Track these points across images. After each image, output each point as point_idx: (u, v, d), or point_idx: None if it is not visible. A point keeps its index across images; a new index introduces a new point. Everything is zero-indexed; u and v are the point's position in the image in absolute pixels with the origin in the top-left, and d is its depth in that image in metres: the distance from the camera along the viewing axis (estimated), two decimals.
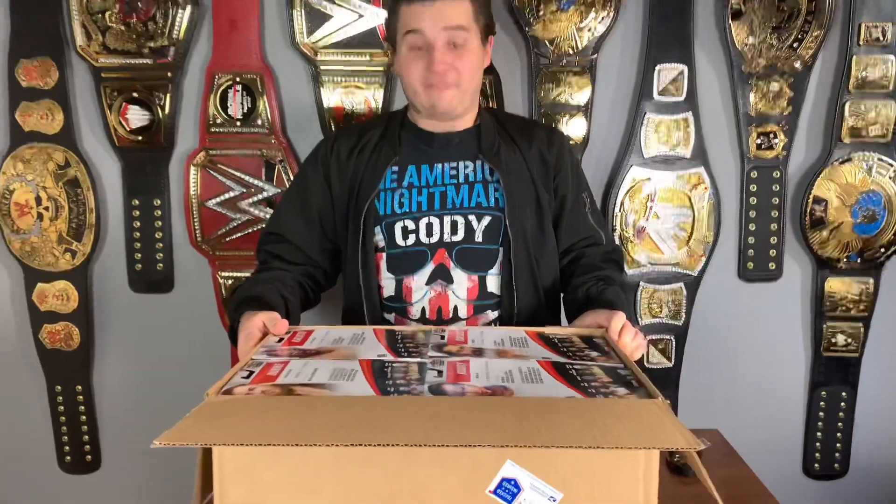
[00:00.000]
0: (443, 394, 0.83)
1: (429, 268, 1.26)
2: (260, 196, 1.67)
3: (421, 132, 1.32)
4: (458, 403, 0.81)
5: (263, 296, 1.18)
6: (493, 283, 1.26)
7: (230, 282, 1.72)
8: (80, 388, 1.78)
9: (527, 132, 1.33)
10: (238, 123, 1.66)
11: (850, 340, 1.79)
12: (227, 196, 1.67)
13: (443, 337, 1.04)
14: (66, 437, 1.80)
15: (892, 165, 1.68)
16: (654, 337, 1.76)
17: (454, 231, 1.26)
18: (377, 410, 0.80)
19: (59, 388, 1.78)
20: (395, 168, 1.29)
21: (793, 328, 1.82)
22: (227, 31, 1.64)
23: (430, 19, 1.20)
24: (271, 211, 1.67)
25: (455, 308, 1.25)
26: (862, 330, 1.78)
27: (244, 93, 1.65)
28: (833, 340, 1.79)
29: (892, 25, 1.63)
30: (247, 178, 1.66)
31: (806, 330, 1.82)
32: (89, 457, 1.82)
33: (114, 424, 1.82)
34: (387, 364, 0.95)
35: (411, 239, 1.26)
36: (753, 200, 1.73)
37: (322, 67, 1.64)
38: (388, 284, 1.28)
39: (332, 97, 1.65)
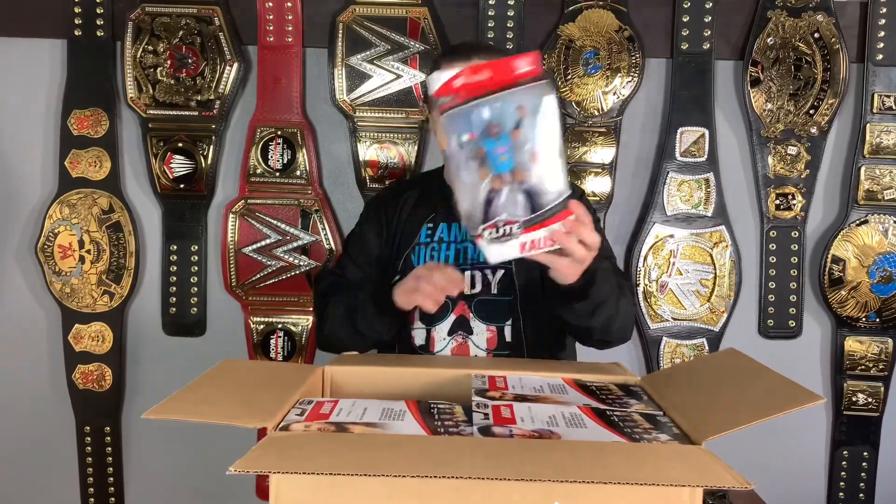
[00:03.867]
0: (491, 435, 0.87)
1: (450, 319, 1.32)
2: (295, 244, 1.73)
3: (453, 193, 1.39)
4: (509, 444, 0.84)
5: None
6: (510, 333, 1.31)
7: (261, 327, 1.76)
8: (108, 428, 1.80)
9: None
10: (277, 174, 1.73)
11: (870, 399, 1.81)
12: (263, 243, 1.73)
13: (484, 382, 1.07)
14: (90, 479, 1.82)
15: None
16: None
17: (472, 284, 1.32)
18: (432, 448, 0.84)
19: (88, 428, 1.80)
20: (430, 224, 1.37)
21: (813, 386, 1.83)
22: (272, 87, 1.72)
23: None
24: (305, 259, 1.72)
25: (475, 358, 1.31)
26: (882, 389, 1.80)
27: (284, 145, 1.72)
28: (854, 399, 1.81)
29: None
30: (283, 226, 1.73)
31: (826, 388, 1.84)
32: (112, 499, 1.83)
33: (139, 469, 1.84)
34: (433, 405, 0.99)
35: None
36: (773, 259, 1.78)
37: (359, 123, 1.72)
38: (418, 333, 1.34)
39: (368, 151, 1.73)
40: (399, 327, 1.32)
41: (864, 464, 1.86)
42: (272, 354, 1.76)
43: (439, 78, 0.94)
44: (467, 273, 1.32)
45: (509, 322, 1.31)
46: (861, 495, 1.87)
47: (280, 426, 0.90)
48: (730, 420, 0.91)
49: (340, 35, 1.70)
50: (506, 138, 0.92)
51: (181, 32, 1.70)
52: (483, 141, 0.92)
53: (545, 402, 1.01)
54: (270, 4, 1.70)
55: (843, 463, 1.86)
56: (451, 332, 1.32)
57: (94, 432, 1.81)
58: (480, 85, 0.92)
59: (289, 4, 1.70)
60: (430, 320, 1.33)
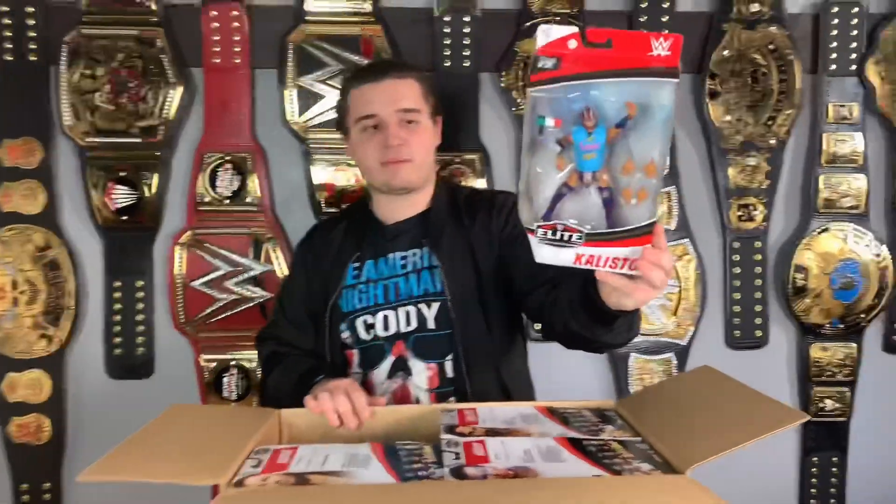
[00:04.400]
0: (465, 477, 0.81)
1: (388, 361, 1.26)
2: (247, 275, 1.65)
3: (378, 224, 1.34)
4: (484, 487, 0.79)
5: (325, 367, 1.24)
6: (450, 368, 1.25)
7: (213, 364, 1.67)
8: (47, 485, 1.67)
9: (473, 207, 1.33)
10: (227, 202, 1.65)
11: (837, 405, 1.80)
12: (213, 276, 1.64)
13: (453, 417, 1.01)
14: None
15: (866, 235, 1.74)
16: None
17: (408, 321, 1.26)
18: (401, 498, 0.77)
19: (25, 486, 1.67)
20: (356, 264, 1.31)
21: (781, 394, 1.82)
22: (219, 110, 1.65)
23: (381, 100, 1.25)
24: (258, 290, 1.64)
25: (417, 400, 1.24)
26: (849, 394, 1.80)
27: (234, 171, 1.64)
28: (821, 405, 1.80)
29: (857, 105, 1.72)
30: (234, 256, 1.64)
31: (794, 396, 1.83)
32: None
33: None
34: (399, 447, 0.92)
35: (372, 334, 1.27)
36: (737, 270, 1.77)
37: (312, 145, 1.65)
38: (355, 379, 1.26)
39: (323, 174, 1.66)
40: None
41: (834, 469, 1.85)
42: (225, 393, 1.66)
43: (549, 32, 0.78)
44: (401, 310, 1.26)
45: (449, 357, 1.25)
46: (832, 500, 1.86)
47: (234, 481, 0.83)
48: (712, 445, 0.86)
49: (291, 55, 1.63)
50: (601, 135, 0.79)
51: (121, 56, 1.61)
52: (572, 129, 0.79)
53: (518, 434, 0.95)
54: (216, 25, 1.63)
55: (814, 469, 1.85)
56: (390, 375, 1.26)
57: (32, 491, 1.67)
58: (597, 56, 0.76)
59: (235, 24, 1.63)
60: (369, 364, 1.28)
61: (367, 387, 1.25)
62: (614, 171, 0.82)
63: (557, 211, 0.85)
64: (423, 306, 1.25)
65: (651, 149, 0.80)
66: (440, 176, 1.66)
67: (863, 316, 1.76)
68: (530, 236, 0.86)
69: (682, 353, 1.75)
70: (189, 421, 1.06)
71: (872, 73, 1.71)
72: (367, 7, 1.65)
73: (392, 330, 1.26)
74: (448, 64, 1.67)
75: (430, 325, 1.25)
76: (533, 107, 0.80)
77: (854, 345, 1.79)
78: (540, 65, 0.79)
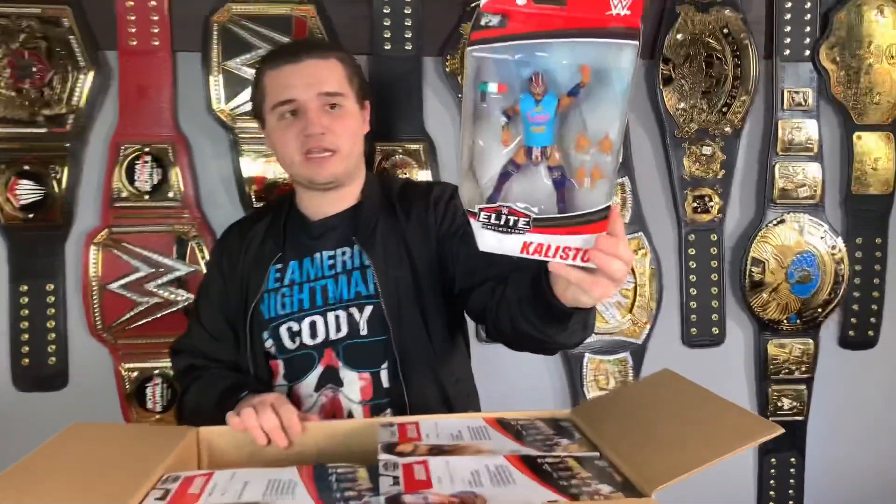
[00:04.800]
0: None
1: (317, 371, 1.14)
2: (170, 276, 1.50)
3: (303, 220, 1.22)
4: None
5: (248, 382, 1.12)
6: (386, 378, 1.14)
7: (135, 374, 1.52)
8: None
9: (407, 200, 1.21)
10: (146, 197, 1.50)
11: (795, 403, 1.75)
12: (132, 277, 1.49)
13: (393, 433, 0.90)
14: None
15: (821, 226, 1.70)
16: None
17: (338, 328, 1.14)
18: None
19: None
20: (279, 265, 1.19)
21: (739, 393, 1.77)
22: (136, 97, 1.50)
23: (301, 83, 1.13)
24: (182, 293, 1.50)
25: (350, 413, 1.13)
26: (805, 392, 1.75)
27: (153, 164, 1.50)
28: (779, 404, 1.75)
29: (811, 91, 1.68)
30: (155, 256, 1.49)
31: (752, 395, 1.78)
32: None
33: None
34: (331, 470, 0.81)
35: (297, 342, 1.15)
36: (693, 264, 1.70)
37: (241, 135, 1.52)
38: (280, 392, 1.15)
39: (253, 166, 1.53)
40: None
41: (791, 469, 1.80)
42: (149, 405, 1.52)
43: None
44: (330, 315, 1.14)
45: (384, 365, 1.14)
46: (790, 502, 1.81)
47: None
48: (678, 463, 0.76)
49: (215, 36, 1.50)
50: (551, 105, 0.69)
51: (22, 36, 1.45)
52: (519, 97, 0.69)
53: (465, 452, 0.84)
54: (132, 3, 1.48)
55: (772, 470, 1.80)
56: (318, 387, 1.14)
57: None
58: (548, 14, 0.66)
59: (153, 3, 1.49)
60: (295, 375, 1.15)
61: (294, 400, 1.13)
62: (566, 148, 0.72)
63: (503, 192, 0.75)
64: (353, 310, 1.14)
65: (607, 122, 0.70)
66: (378, 168, 1.56)
67: (819, 310, 1.72)
68: (472, 220, 0.76)
69: (639, 352, 1.67)
70: (91, 442, 0.92)
71: (826, 58, 1.67)
72: None
73: (320, 337, 1.14)
74: (388, 47, 1.56)
75: (363, 330, 1.13)
76: (475, 70, 0.69)
77: (811, 341, 1.74)
78: (483, 21, 0.68)
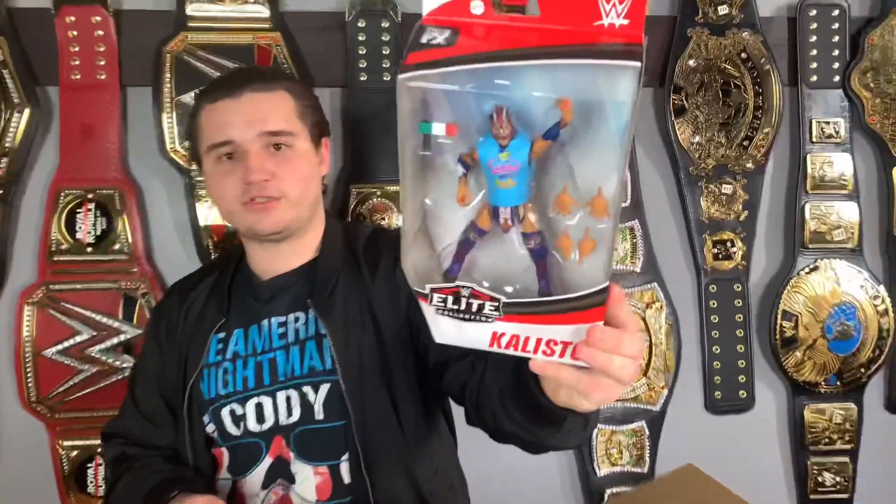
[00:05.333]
0: None
1: (264, 464, 0.95)
2: (115, 340, 1.32)
3: (251, 280, 1.03)
4: None
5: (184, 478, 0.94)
6: (347, 473, 0.94)
7: (74, 453, 1.33)
8: None
9: (374, 252, 1.02)
10: (89, 249, 1.32)
11: (838, 479, 1.52)
12: (72, 342, 1.31)
13: None
14: None
15: (861, 273, 1.49)
16: (616, 490, 1.44)
17: (289, 411, 0.95)
18: None
19: None
20: (221, 334, 1.01)
21: (772, 467, 1.55)
22: (79, 137, 1.33)
23: (239, 121, 0.95)
24: (129, 359, 1.31)
25: None
26: (850, 466, 1.52)
27: (97, 212, 1.32)
28: (820, 480, 1.52)
29: (843, 122, 1.48)
30: (98, 317, 1.31)
31: (788, 469, 1.55)
32: None
33: None
34: None
35: (242, 427, 0.97)
36: (715, 318, 1.49)
37: (198, 179, 1.34)
38: (223, 487, 0.98)
39: (211, 214, 1.34)
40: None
41: None
42: (90, 488, 1.32)
43: None
44: (280, 395, 0.95)
45: (345, 457, 0.94)
46: None
47: None
48: None
49: (168, 68, 1.33)
50: (521, 150, 0.51)
51: None
52: (477, 141, 0.51)
53: None
54: (74, 33, 1.32)
55: None
56: (266, 484, 0.95)
57: None
58: (515, 28, 0.48)
59: (99, 32, 1.33)
60: (239, 468, 0.96)
61: (238, 500, 0.94)
62: (545, 208, 0.53)
63: (464, 266, 0.56)
64: (307, 389, 0.95)
65: (600, 173, 0.52)
66: (353, 213, 1.37)
67: (863, 370, 1.50)
68: (423, 304, 0.57)
69: (656, 420, 1.46)
70: None
71: (858, 84, 1.48)
72: (264, 11, 1.36)
73: (268, 422, 0.95)
74: (364, 78, 1.39)
75: (319, 414, 0.94)
76: (414, 105, 0.51)
77: (853, 405, 1.52)
78: (425, 38, 0.51)
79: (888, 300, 1.49)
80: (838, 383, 1.50)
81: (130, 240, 1.33)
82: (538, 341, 0.56)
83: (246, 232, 1.00)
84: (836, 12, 1.47)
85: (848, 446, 1.52)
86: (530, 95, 0.49)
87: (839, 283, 1.49)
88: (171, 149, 1.33)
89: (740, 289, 1.49)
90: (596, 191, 0.51)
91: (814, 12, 1.47)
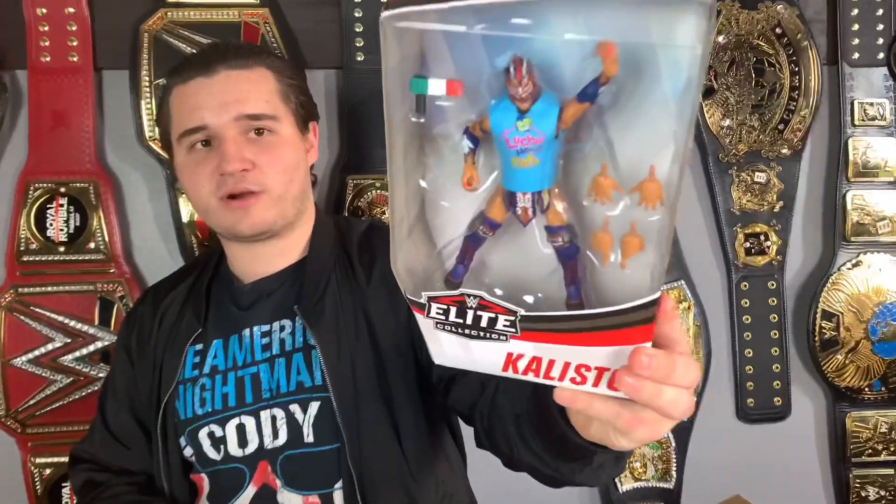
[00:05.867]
0: None
1: (248, 493, 0.83)
2: (92, 347, 1.20)
3: (232, 284, 0.91)
4: None
5: None
6: (341, 502, 0.82)
7: (48, 471, 1.22)
8: None
9: (369, 251, 0.90)
10: (61, 249, 1.21)
11: (882, 493, 1.39)
12: (43, 350, 1.19)
13: None
14: None
15: None
16: None
17: (275, 433, 0.83)
18: None
19: None
20: (198, 346, 0.89)
21: (810, 480, 1.42)
22: (50, 125, 1.21)
23: (213, 103, 0.83)
24: (106, 368, 1.20)
25: None
26: None
27: (70, 207, 1.21)
28: (863, 494, 1.39)
29: (887, 103, 1.35)
30: (73, 323, 1.20)
31: (827, 482, 1.42)
32: None
33: None
34: None
35: (222, 451, 0.85)
36: (748, 319, 1.36)
37: None
38: None
39: None
40: None
41: None
42: None
43: None
44: (264, 415, 0.83)
45: (339, 484, 0.82)
46: None
47: None
48: None
49: (146, 49, 1.21)
50: (547, 117, 0.38)
51: None
52: (489, 105, 0.39)
53: None
54: (43, 11, 1.20)
55: None
56: None
57: None
58: None
59: (71, 9, 1.21)
60: (220, 497, 0.85)
61: None
62: (576, 193, 0.41)
63: (469, 269, 0.44)
64: (295, 408, 0.83)
65: (653, 146, 0.39)
66: (350, 206, 1.25)
67: None
68: (418, 317, 0.45)
69: (684, 430, 1.33)
70: None
71: None
72: None
73: (252, 446, 0.84)
74: (361, 58, 1.26)
75: (308, 436, 0.83)
76: (401, 53, 0.39)
77: None
78: None
79: None
80: (883, 389, 1.37)
81: (107, 238, 1.22)
82: (565, 366, 0.44)
83: (225, 232, 0.89)
84: None
85: (893, 457, 1.39)
86: (560, 40, 0.36)
87: (884, 279, 1.35)
88: (150, 137, 1.21)
89: (775, 286, 1.36)
90: (646, 171, 0.38)
91: None
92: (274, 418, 0.83)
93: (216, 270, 0.95)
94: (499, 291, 0.44)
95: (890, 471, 1.40)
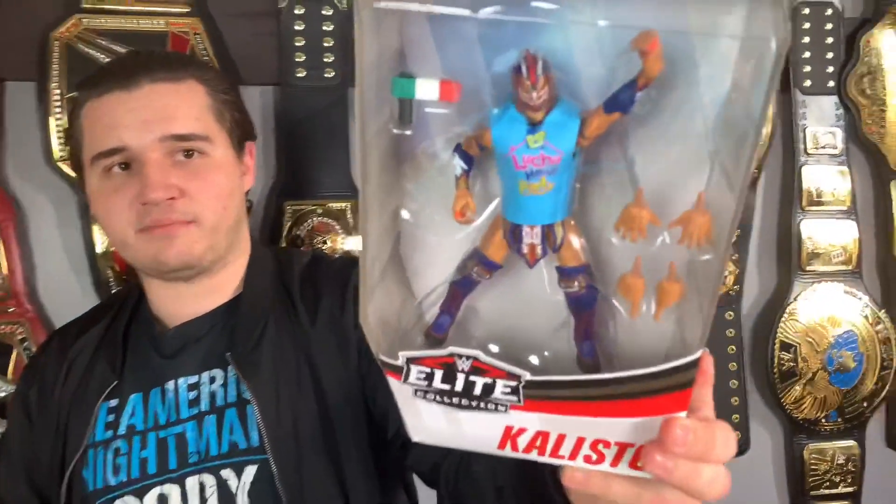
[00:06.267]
0: None
1: None
2: None
3: (152, 328, 0.80)
4: None
5: None
6: None
7: None
8: None
9: (313, 288, 0.80)
10: None
11: None
12: None
13: None
14: None
15: (861, 298, 1.34)
16: None
17: (202, 498, 0.71)
18: None
19: None
20: (113, 402, 0.76)
21: None
22: None
23: (135, 121, 0.72)
24: (4, 423, 1.04)
25: None
26: None
27: None
28: None
29: (839, 131, 1.34)
30: None
31: None
32: None
33: None
34: None
35: None
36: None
37: None
38: None
39: None
40: None
41: None
42: None
43: None
44: (191, 482, 0.71)
45: None
46: None
47: None
48: None
49: (57, 59, 1.08)
50: (565, 130, 0.30)
51: None
52: (491, 113, 0.31)
53: None
54: None
55: None
56: None
57: None
58: None
59: None
60: None
61: None
62: (598, 227, 0.33)
63: (456, 319, 0.35)
64: (228, 474, 0.71)
65: (691, 166, 0.31)
66: (288, 236, 1.14)
67: (865, 405, 1.35)
68: (393, 383, 0.36)
69: None
70: None
71: (854, 90, 1.34)
72: None
73: None
74: (302, 74, 1.17)
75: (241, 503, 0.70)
76: (381, 43, 0.30)
77: (854, 443, 1.37)
78: None
79: (890, 327, 1.35)
80: (840, 419, 1.35)
81: (6, 271, 1.07)
82: (579, 441, 0.35)
83: (145, 267, 0.77)
84: (830, 11, 1.34)
85: (851, 489, 1.37)
86: (588, 30, 0.28)
87: (839, 309, 1.34)
88: (60, 158, 1.07)
89: (733, 317, 1.33)
90: (693, 199, 0.30)
91: (806, 11, 1.33)
92: (203, 486, 0.71)
93: (135, 312, 0.82)
94: (494, 348, 0.35)
95: (847, 503, 1.37)
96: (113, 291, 1.08)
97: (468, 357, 0.34)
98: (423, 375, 0.35)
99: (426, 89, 0.29)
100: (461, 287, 0.35)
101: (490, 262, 0.33)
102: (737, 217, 0.30)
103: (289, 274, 0.81)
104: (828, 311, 1.34)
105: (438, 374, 0.34)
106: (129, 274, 1.09)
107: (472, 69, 0.29)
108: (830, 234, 1.34)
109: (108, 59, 1.08)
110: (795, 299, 1.33)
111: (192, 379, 0.75)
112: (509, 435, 0.35)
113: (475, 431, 0.36)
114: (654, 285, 0.32)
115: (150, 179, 0.71)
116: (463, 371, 0.34)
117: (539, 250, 0.33)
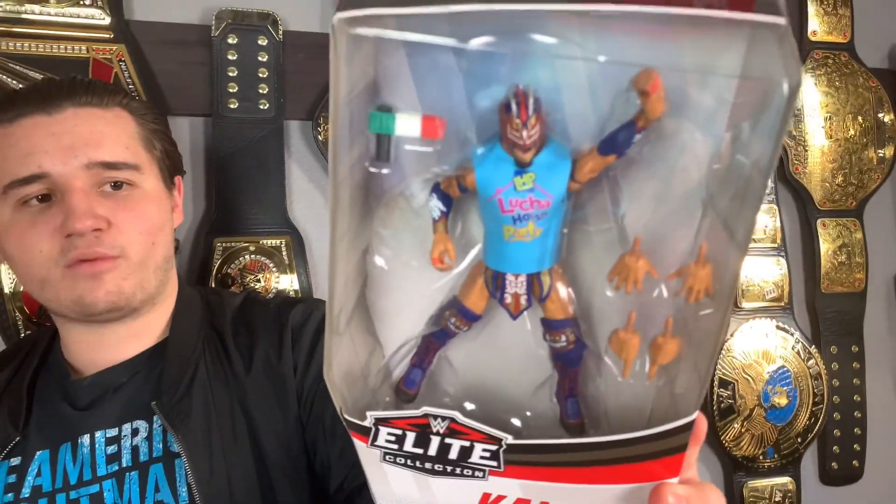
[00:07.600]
0: None
1: None
2: None
3: (65, 375, 0.72)
4: None
5: None
6: None
7: None
8: None
9: (248, 331, 0.75)
10: None
11: None
12: None
13: None
14: None
15: (792, 334, 1.38)
16: None
17: None
18: None
19: None
20: (15, 461, 0.68)
21: None
22: None
23: (56, 146, 0.66)
24: None
25: None
26: None
27: None
28: None
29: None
30: None
31: None
32: None
33: None
34: None
35: None
36: None
37: None
38: None
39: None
40: None
41: None
42: None
43: None
44: None
45: None
46: None
47: None
48: None
49: None
50: (556, 170, 0.28)
51: None
52: (475, 153, 0.28)
53: None
54: None
55: None
56: None
57: None
58: None
59: None
60: None
61: None
62: (588, 277, 0.30)
63: (427, 374, 0.32)
64: None
65: (686, 214, 0.29)
66: (218, 275, 1.07)
67: (799, 441, 1.37)
68: (360, 446, 0.31)
69: None
70: None
71: None
72: (104, 19, 1.06)
73: None
74: (235, 106, 1.11)
75: None
76: (359, 72, 0.26)
77: (789, 479, 1.38)
78: None
79: (821, 364, 1.39)
80: (776, 456, 1.36)
81: None
82: None
83: (67, 309, 0.69)
84: None
85: None
86: (585, 65, 0.26)
87: (772, 345, 1.36)
88: None
89: None
90: (695, 249, 0.28)
91: None
92: None
93: (44, 359, 0.74)
94: (469, 406, 0.32)
95: None
96: (22, 336, 0.98)
97: (444, 418, 0.30)
98: (394, 438, 0.31)
99: (407, 125, 0.26)
100: (436, 339, 0.31)
101: (469, 313, 0.30)
102: (739, 269, 0.28)
103: (220, 317, 0.75)
104: (762, 346, 1.36)
105: (411, 436, 0.30)
106: (40, 317, 1.00)
107: (459, 102, 0.26)
108: (762, 271, 1.37)
109: (22, 85, 1.01)
110: (732, 335, 1.34)
111: (112, 432, 0.67)
112: (487, 503, 0.32)
113: (449, 499, 0.32)
114: (647, 341, 0.30)
115: (75, 208, 0.64)
116: (438, 433, 0.30)
117: (524, 301, 0.30)
